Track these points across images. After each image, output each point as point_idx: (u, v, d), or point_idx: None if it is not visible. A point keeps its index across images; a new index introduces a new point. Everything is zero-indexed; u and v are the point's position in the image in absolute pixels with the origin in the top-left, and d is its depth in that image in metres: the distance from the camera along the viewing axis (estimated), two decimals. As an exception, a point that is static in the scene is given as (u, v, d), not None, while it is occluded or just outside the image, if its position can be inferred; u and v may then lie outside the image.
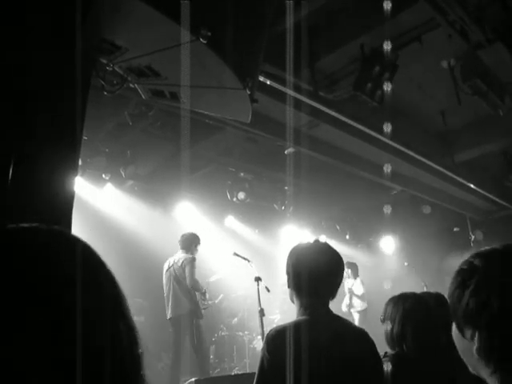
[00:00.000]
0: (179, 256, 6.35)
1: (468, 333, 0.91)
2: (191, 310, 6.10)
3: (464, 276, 0.92)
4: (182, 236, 6.48)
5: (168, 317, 6.20)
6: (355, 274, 9.08)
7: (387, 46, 4.10)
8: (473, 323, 0.89)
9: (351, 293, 8.98)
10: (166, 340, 7.72)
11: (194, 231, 6.71)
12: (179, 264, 6.25)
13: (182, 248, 6.39)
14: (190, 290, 6.13)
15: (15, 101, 2.03)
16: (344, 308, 8.95)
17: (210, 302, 6.79)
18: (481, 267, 0.91)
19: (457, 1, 3.89)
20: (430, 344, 2.23)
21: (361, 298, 8.93)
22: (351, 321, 7.49)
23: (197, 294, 6.26)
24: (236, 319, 8.19)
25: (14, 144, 2.03)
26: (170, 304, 6.20)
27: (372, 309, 8.69)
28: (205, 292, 6.27)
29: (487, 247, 0.97)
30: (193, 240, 6.42)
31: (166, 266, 6.47)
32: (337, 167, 7.41)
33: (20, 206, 2.03)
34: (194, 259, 6.22)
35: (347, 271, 9.06)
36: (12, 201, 1.99)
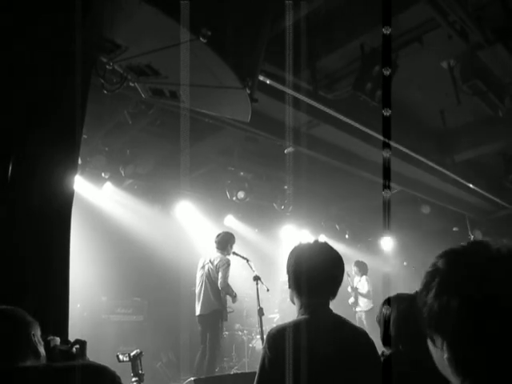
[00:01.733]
0: (215, 255, 6.32)
1: (438, 341, 0.85)
2: (218, 311, 6.11)
3: (427, 279, 0.87)
4: (218, 236, 6.44)
5: (197, 313, 6.22)
6: (363, 272, 9.10)
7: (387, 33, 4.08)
8: (438, 330, 0.84)
9: (355, 291, 9.00)
10: (165, 339, 7.74)
11: (228, 231, 6.69)
12: (214, 264, 6.24)
13: (218, 248, 6.35)
14: (220, 291, 6.14)
15: (15, 100, 2.03)
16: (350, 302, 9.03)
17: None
18: (442, 269, 0.85)
19: (457, 1, 3.89)
20: (426, 343, 2.24)
21: (366, 296, 8.94)
22: (356, 321, 7.44)
23: (227, 296, 6.26)
24: (235, 318, 8.19)
25: (14, 143, 2.03)
26: (200, 302, 6.21)
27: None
28: (235, 296, 6.25)
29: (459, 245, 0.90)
30: (228, 239, 6.38)
31: (200, 263, 6.46)
32: (336, 167, 7.40)
33: (20, 204, 2.03)
34: (229, 263, 6.21)
35: (354, 269, 9.11)
36: (12, 199, 1.99)
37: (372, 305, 8.87)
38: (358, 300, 9.02)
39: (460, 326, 0.79)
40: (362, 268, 9.09)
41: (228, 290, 6.15)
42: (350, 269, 9.12)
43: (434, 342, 0.87)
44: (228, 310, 6.35)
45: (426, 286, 0.86)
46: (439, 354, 0.86)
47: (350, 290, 9.02)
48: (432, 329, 0.86)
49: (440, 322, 0.83)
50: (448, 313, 0.80)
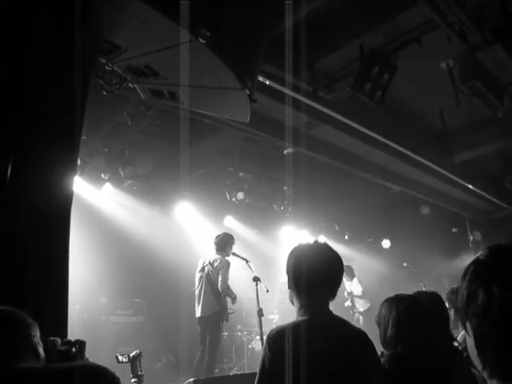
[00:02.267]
0: (214, 257, 6.29)
1: (467, 326, 0.88)
2: (219, 312, 6.09)
3: (468, 266, 0.90)
4: (217, 237, 6.42)
5: (197, 315, 6.20)
6: (351, 276, 9.13)
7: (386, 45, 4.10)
8: (466, 315, 0.87)
9: (351, 295, 9.03)
10: (164, 340, 7.73)
11: (227, 232, 6.67)
12: (214, 265, 6.21)
13: (217, 249, 6.32)
14: (220, 293, 6.12)
15: (15, 101, 2.03)
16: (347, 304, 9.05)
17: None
18: (480, 260, 0.88)
19: (456, 2, 3.89)
20: (425, 344, 2.24)
21: (361, 297, 8.97)
22: (354, 323, 7.44)
23: (227, 298, 6.24)
24: (235, 319, 8.18)
25: (14, 144, 2.03)
26: (200, 303, 6.19)
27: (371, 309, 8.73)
28: (235, 298, 6.23)
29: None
30: (227, 241, 6.34)
31: (199, 265, 6.44)
32: (336, 167, 7.41)
33: (19, 205, 2.03)
34: (228, 264, 6.19)
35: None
36: (12, 200, 1.99)
37: (369, 304, 8.90)
38: (355, 303, 9.05)
39: (482, 316, 0.82)
40: (349, 272, 9.09)
41: (228, 291, 6.14)
42: None
43: (465, 327, 0.91)
44: (229, 311, 6.34)
45: (465, 273, 0.90)
46: (468, 338, 0.89)
47: (346, 295, 9.05)
48: (462, 313, 0.89)
49: (467, 308, 0.86)
50: (474, 301, 0.84)
